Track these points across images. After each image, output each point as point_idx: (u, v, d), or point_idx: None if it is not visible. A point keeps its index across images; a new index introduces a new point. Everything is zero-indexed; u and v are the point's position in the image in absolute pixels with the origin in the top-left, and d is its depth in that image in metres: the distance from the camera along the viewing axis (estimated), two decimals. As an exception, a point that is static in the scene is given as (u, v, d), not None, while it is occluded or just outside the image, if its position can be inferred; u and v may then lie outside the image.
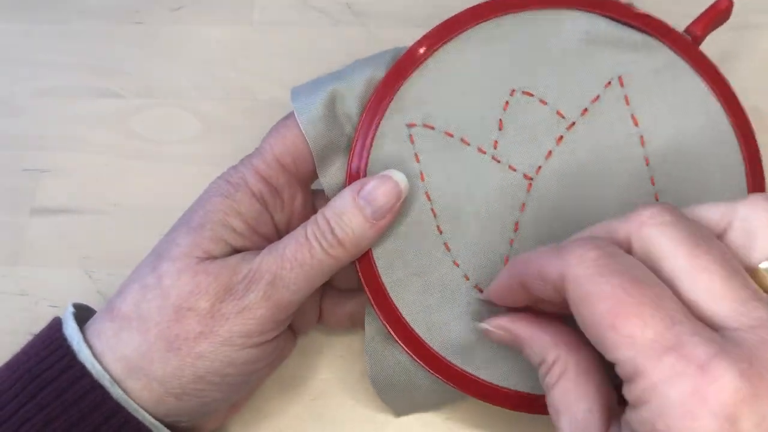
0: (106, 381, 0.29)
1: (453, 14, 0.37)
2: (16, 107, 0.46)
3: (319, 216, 0.31)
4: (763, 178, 0.33)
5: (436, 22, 0.47)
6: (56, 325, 0.31)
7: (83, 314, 0.33)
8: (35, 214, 0.43)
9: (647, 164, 0.33)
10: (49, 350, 0.30)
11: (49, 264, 0.42)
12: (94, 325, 0.31)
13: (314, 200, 0.36)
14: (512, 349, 0.29)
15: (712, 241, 0.24)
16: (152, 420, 0.30)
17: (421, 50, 0.34)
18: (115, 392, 0.29)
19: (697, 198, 0.32)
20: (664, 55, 0.34)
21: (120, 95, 0.46)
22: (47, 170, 0.44)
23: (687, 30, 0.35)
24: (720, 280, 0.22)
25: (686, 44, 0.34)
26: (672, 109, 0.34)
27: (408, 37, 0.46)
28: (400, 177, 0.32)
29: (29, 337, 0.39)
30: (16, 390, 0.29)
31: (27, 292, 0.41)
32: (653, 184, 0.33)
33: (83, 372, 0.29)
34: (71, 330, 0.30)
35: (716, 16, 0.35)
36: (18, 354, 0.31)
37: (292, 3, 0.48)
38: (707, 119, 0.33)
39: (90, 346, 0.30)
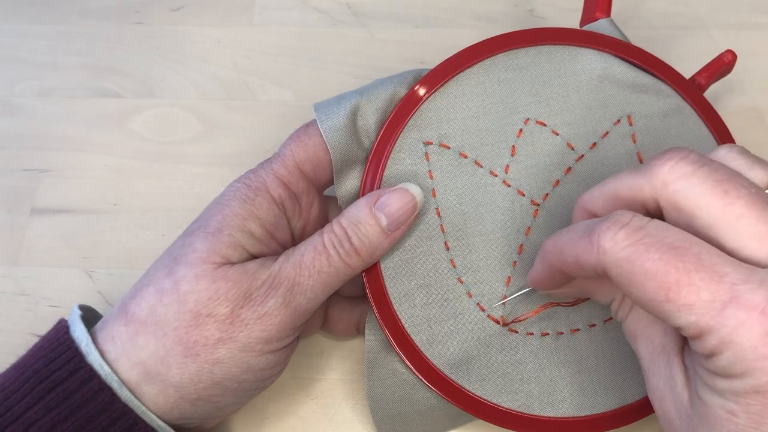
0: (114, 383, 0.29)
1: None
2: (16, 107, 0.45)
3: (335, 224, 0.32)
4: None
5: (435, 23, 0.47)
6: (63, 327, 0.31)
7: (87, 315, 0.32)
8: (35, 214, 0.43)
9: None
10: (57, 352, 0.29)
11: (49, 264, 0.41)
12: (106, 329, 0.31)
13: (327, 208, 0.36)
14: (582, 294, 0.31)
15: (737, 179, 0.24)
16: (160, 422, 0.30)
17: (443, 73, 0.35)
18: (124, 394, 0.29)
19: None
20: (672, 100, 0.36)
21: (120, 95, 0.46)
22: (47, 170, 0.44)
23: (692, 78, 0.37)
24: (757, 223, 0.23)
25: (694, 91, 0.36)
26: None
27: (408, 37, 0.47)
28: (416, 190, 0.32)
29: (29, 337, 0.39)
30: (24, 392, 0.29)
31: (27, 292, 0.41)
32: None
33: (92, 374, 0.29)
34: (80, 332, 0.30)
35: (721, 68, 0.37)
36: (25, 356, 0.31)
37: (292, 3, 0.48)
38: None
39: (103, 351, 0.30)
